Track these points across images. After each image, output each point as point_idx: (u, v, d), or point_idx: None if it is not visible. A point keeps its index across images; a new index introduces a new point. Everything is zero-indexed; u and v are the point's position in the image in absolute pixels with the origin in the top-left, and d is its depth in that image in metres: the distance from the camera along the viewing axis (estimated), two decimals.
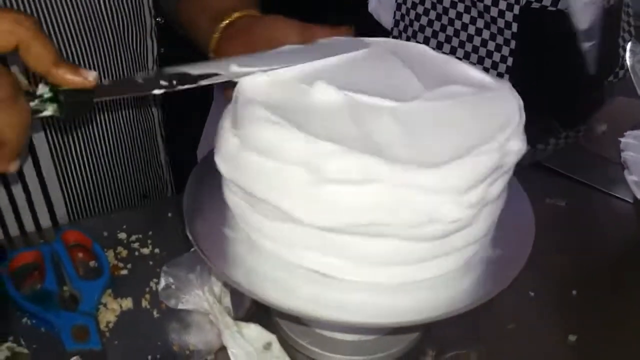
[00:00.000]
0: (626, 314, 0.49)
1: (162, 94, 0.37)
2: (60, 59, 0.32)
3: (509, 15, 0.74)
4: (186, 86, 0.37)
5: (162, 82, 0.36)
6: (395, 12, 0.83)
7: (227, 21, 0.51)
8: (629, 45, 0.57)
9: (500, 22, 0.74)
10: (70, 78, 0.32)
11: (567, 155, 0.69)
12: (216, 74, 0.38)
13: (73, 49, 0.52)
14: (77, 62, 0.52)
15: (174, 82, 0.36)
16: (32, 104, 0.33)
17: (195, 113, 0.86)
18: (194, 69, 0.38)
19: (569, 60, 0.77)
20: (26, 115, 0.32)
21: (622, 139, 0.55)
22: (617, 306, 0.50)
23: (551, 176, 0.66)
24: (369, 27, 0.86)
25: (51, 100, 0.33)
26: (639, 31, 0.88)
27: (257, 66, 0.38)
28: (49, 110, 0.33)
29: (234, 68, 0.38)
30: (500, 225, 0.39)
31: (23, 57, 0.32)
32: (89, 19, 0.51)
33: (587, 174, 0.66)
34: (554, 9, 0.73)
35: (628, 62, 0.57)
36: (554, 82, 0.76)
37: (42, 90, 0.33)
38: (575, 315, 0.49)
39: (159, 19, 0.59)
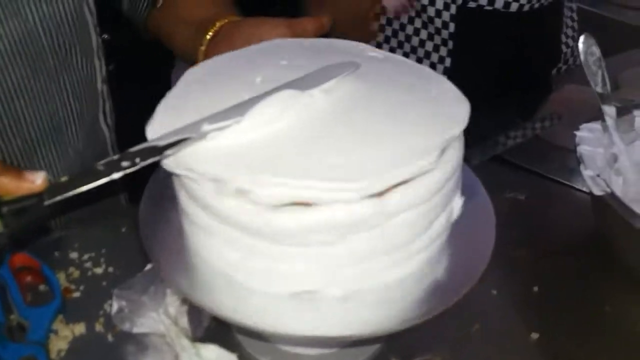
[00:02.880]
0: (588, 308, 0.49)
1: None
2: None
3: (446, 15, 0.74)
4: (152, 160, 0.32)
5: (124, 164, 0.31)
6: None
7: (212, 32, 0.50)
8: (581, 38, 0.57)
9: (438, 22, 0.75)
10: (13, 187, 0.28)
11: (525, 148, 0.70)
12: (186, 139, 0.32)
13: (9, 78, 0.48)
14: (16, 91, 0.48)
15: (137, 159, 0.32)
16: None
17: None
18: (161, 140, 0.32)
19: (508, 59, 0.78)
20: None
21: (577, 132, 0.55)
22: (578, 301, 0.50)
23: (510, 169, 0.66)
24: None
25: None
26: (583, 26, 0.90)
27: (230, 118, 0.34)
28: None
29: (206, 127, 0.33)
30: (460, 223, 0.38)
31: None
32: (25, 43, 0.47)
33: (546, 165, 0.67)
34: (490, 8, 0.74)
35: (581, 55, 0.57)
36: (493, 83, 0.77)
37: None
38: (537, 313, 0.49)
39: (105, 36, 0.55)
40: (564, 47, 0.87)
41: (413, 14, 0.77)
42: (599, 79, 0.58)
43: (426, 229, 0.35)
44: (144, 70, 0.97)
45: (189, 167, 0.32)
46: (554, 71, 0.89)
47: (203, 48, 0.49)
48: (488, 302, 0.49)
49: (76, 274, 0.49)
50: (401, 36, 0.79)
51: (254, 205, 0.31)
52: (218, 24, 0.49)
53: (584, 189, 0.63)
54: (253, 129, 0.34)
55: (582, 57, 0.58)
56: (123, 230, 0.54)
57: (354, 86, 0.38)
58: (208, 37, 0.49)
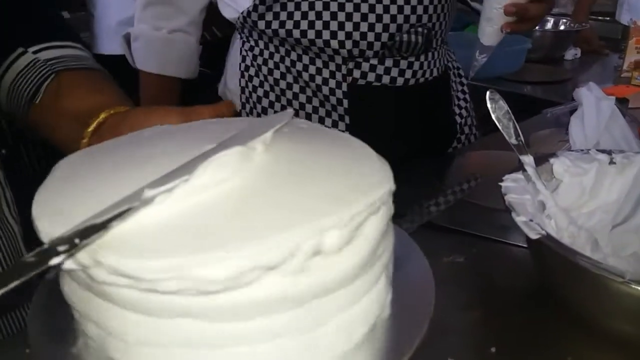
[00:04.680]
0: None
1: None
2: None
3: (339, 93, 0.79)
4: (93, 237, 0.27)
5: (61, 248, 0.26)
6: (240, 95, 0.85)
7: (95, 124, 0.46)
8: (487, 94, 0.59)
9: (333, 100, 0.79)
10: None
11: (455, 212, 0.69)
12: (128, 209, 0.28)
13: None
14: None
15: (76, 240, 0.27)
16: None
17: None
18: (99, 217, 0.28)
19: (401, 133, 0.82)
20: None
21: (502, 184, 0.55)
22: (538, 356, 0.47)
23: (443, 234, 0.65)
24: None
25: None
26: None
27: (174, 179, 0.30)
28: None
29: (149, 193, 0.29)
30: (399, 290, 0.35)
31: None
32: None
33: (477, 226, 0.66)
34: (378, 84, 0.79)
35: (490, 110, 0.59)
36: (396, 154, 0.81)
37: None
38: None
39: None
40: (457, 118, 0.91)
41: (311, 94, 0.80)
42: (512, 131, 0.59)
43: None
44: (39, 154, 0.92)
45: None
46: (455, 142, 0.92)
47: (85, 141, 0.45)
48: None
49: None
50: (302, 115, 0.81)
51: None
52: (102, 116, 0.46)
53: (519, 243, 0.62)
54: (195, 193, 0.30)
55: (491, 112, 0.59)
56: None
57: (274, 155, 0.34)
58: (90, 129, 0.45)
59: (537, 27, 1.67)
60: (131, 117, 0.45)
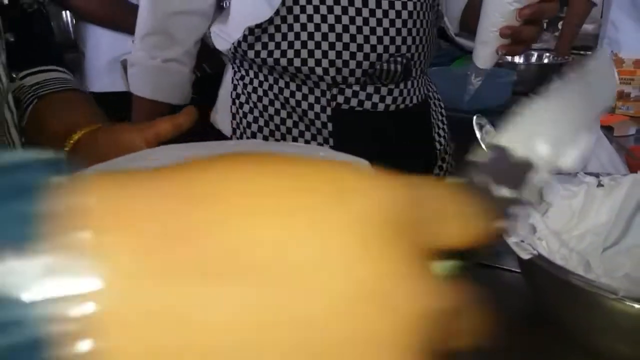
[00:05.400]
0: None
1: None
2: None
3: (323, 117, 0.83)
4: None
5: None
6: (231, 122, 0.90)
7: (71, 144, 0.48)
8: (474, 118, 0.59)
9: (318, 124, 0.84)
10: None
11: None
12: None
13: None
14: None
15: None
16: None
17: None
18: None
19: (385, 154, 0.84)
20: None
21: None
22: None
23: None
24: (214, 135, 0.93)
25: None
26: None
27: None
28: None
29: None
30: None
31: None
32: None
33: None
34: (360, 108, 0.83)
35: (477, 134, 0.59)
36: None
37: None
38: None
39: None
40: (437, 145, 0.94)
41: (297, 118, 0.85)
42: None
43: None
44: None
45: None
46: (436, 169, 0.94)
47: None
48: None
49: None
50: (289, 138, 0.85)
51: None
52: (76, 136, 0.47)
53: (512, 268, 0.62)
54: None
55: (479, 137, 0.60)
56: None
57: None
58: (67, 149, 0.47)
59: (521, 61, 1.72)
60: (100, 134, 0.47)
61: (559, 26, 2.24)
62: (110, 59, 1.29)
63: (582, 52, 2.15)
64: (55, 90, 0.53)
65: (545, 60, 1.76)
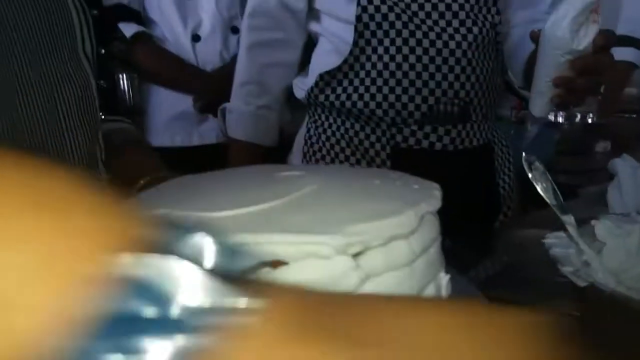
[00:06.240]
0: None
1: None
2: None
3: (383, 155, 0.91)
4: None
5: None
6: (302, 160, 1.00)
7: (136, 189, 0.51)
8: (523, 156, 0.61)
9: (378, 161, 0.92)
10: None
11: (497, 279, 0.69)
12: None
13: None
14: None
15: None
16: None
17: None
18: None
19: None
20: None
21: (545, 240, 0.56)
22: None
23: (492, 301, 0.64)
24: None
25: None
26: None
27: None
28: None
29: None
30: None
31: None
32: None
33: (523, 293, 0.65)
34: (418, 147, 0.89)
35: (527, 172, 0.61)
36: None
37: None
38: None
39: None
40: (501, 190, 0.94)
41: (360, 156, 0.93)
42: (550, 192, 0.61)
43: None
44: None
45: None
46: (501, 217, 0.94)
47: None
48: None
49: None
50: None
51: None
52: (142, 181, 0.52)
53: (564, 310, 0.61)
54: None
55: (528, 174, 0.61)
56: None
57: (322, 177, 0.38)
58: (132, 194, 0.51)
59: (565, 120, 1.73)
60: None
61: (601, 90, 2.24)
62: (170, 116, 1.39)
63: (626, 116, 2.14)
64: (123, 139, 0.59)
65: (589, 121, 1.77)
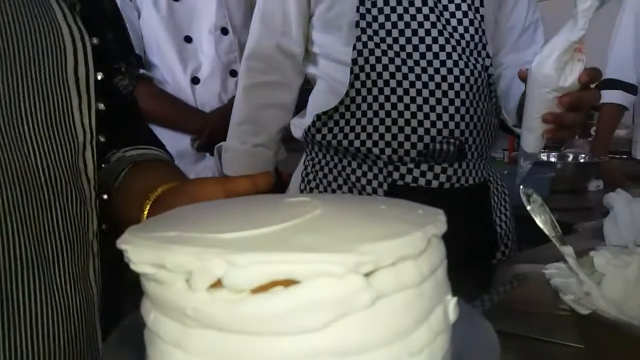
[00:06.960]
0: None
1: None
2: None
3: (380, 192, 0.93)
4: None
5: None
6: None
7: (153, 197, 0.51)
8: (520, 189, 0.62)
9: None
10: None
11: (499, 311, 0.69)
12: None
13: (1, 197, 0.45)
14: (6, 218, 0.45)
15: None
16: None
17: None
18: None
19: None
20: None
21: (545, 270, 0.56)
22: None
23: None
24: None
25: None
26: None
27: None
28: None
29: None
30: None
31: None
32: (23, 172, 0.46)
33: (524, 326, 0.65)
34: (414, 185, 0.91)
35: (525, 204, 0.62)
36: None
37: None
38: None
39: (104, 197, 0.56)
40: (498, 229, 0.95)
41: (357, 193, 0.94)
42: (549, 223, 0.62)
43: (422, 321, 0.32)
44: None
45: (160, 262, 0.30)
46: (499, 256, 0.95)
47: (145, 213, 0.50)
48: None
49: None
50: None
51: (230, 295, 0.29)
52: (160, 189, 0.51)
53: (565, 342, 0.61)
54: None
55: (526, 206, 0.62)
56: None
57: (328, 203, 0.38)
58: (150, 201, 0.50)
59: (558, 160, 1.76)
60: (184, 187, 0.51)
61: (592, 132, 2.30)
62: (173, 153, 1.40)
63: (617, 156, 2.19)
64: (148, 158, 0.59)
65: (582, 160, 1.80)
